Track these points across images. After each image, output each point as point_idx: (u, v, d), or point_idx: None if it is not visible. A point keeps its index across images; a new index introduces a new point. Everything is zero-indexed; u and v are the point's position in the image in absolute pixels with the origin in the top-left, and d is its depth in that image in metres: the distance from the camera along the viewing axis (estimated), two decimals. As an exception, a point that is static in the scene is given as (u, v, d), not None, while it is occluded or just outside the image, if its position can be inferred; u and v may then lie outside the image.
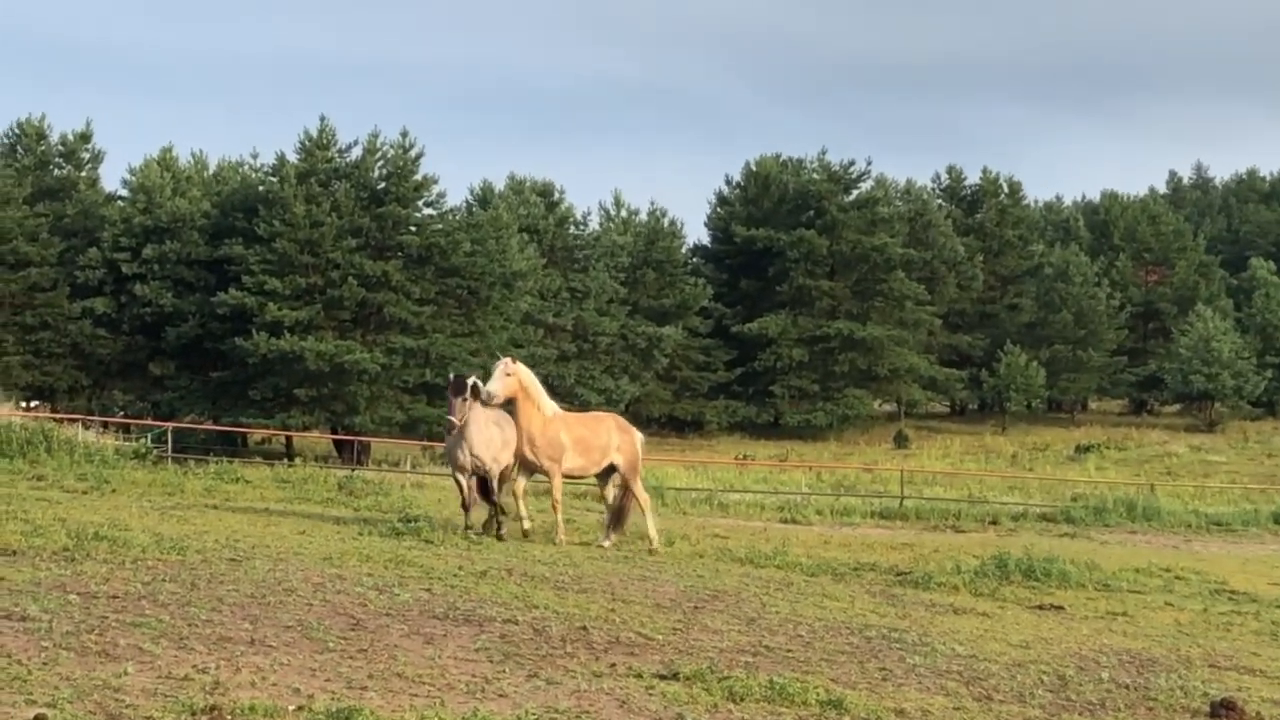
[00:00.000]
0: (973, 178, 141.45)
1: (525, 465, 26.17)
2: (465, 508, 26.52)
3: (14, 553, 18.26)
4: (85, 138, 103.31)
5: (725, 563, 24.65)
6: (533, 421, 25.68)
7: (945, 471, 76.25)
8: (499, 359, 26.47)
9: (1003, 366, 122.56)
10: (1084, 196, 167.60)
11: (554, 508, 26.18)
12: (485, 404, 25.36)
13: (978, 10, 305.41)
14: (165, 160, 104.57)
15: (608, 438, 26.54)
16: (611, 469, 26.69)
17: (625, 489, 26.76)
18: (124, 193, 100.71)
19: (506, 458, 26.39)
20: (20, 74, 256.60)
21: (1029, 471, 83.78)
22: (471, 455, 26.01)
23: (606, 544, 25.87)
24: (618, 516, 26.86)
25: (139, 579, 16.97)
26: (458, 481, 26.70)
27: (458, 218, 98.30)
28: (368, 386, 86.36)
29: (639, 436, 27.30)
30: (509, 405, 25.71)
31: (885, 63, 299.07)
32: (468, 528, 25.91)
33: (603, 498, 27.99)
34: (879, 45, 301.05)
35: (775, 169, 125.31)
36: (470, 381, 26.35)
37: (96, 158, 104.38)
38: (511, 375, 25.51)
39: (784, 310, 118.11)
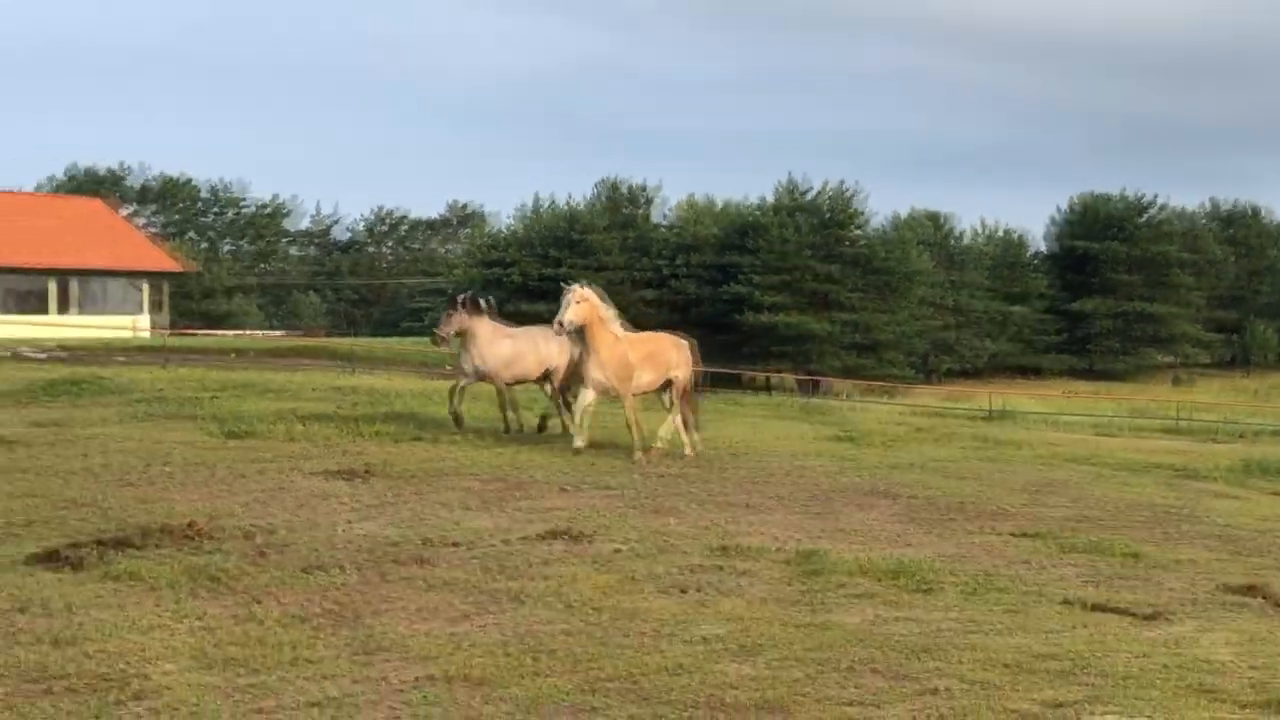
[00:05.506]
0: (1227, 202, 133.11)
1: (597, 387, 18.32)
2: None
3: (611, 446, 18.82)
4: (643, 188, 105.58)
5: (1058, 461, 23.86)
6: (602, 344, 18.11)
7: (1209, 402, 72.28)
8: (569, 286, 18.36)
9: (1249, 332, 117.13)
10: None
11: (630, 426, 18.48)
12: (560, 333, 18.30)
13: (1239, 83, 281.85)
14: (690, 202, 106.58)
15: (669, 354, 19.31)
16: (669, 384, 19.21)
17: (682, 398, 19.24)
18: (665, 223, 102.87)
19: (520, 369, 20.35)
20: (612, 147, 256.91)
21: (1266, 402, 79.14)
22: (476, 365, 19.91)
23: (691, 453, 18.85)
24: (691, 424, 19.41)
25: (675, 466, 17.37)
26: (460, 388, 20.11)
27: (879, 235, 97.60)
28: (819, 345, 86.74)
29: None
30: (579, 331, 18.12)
31: (1169, 126, 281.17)
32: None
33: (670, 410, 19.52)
34: (1166, 111, 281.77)
35: (1092, 201, 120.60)
36: (461, 297, 20.23)
37: (650, 200, 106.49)
38: (584, 302, 17.88)
39: (1098, 295, 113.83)
